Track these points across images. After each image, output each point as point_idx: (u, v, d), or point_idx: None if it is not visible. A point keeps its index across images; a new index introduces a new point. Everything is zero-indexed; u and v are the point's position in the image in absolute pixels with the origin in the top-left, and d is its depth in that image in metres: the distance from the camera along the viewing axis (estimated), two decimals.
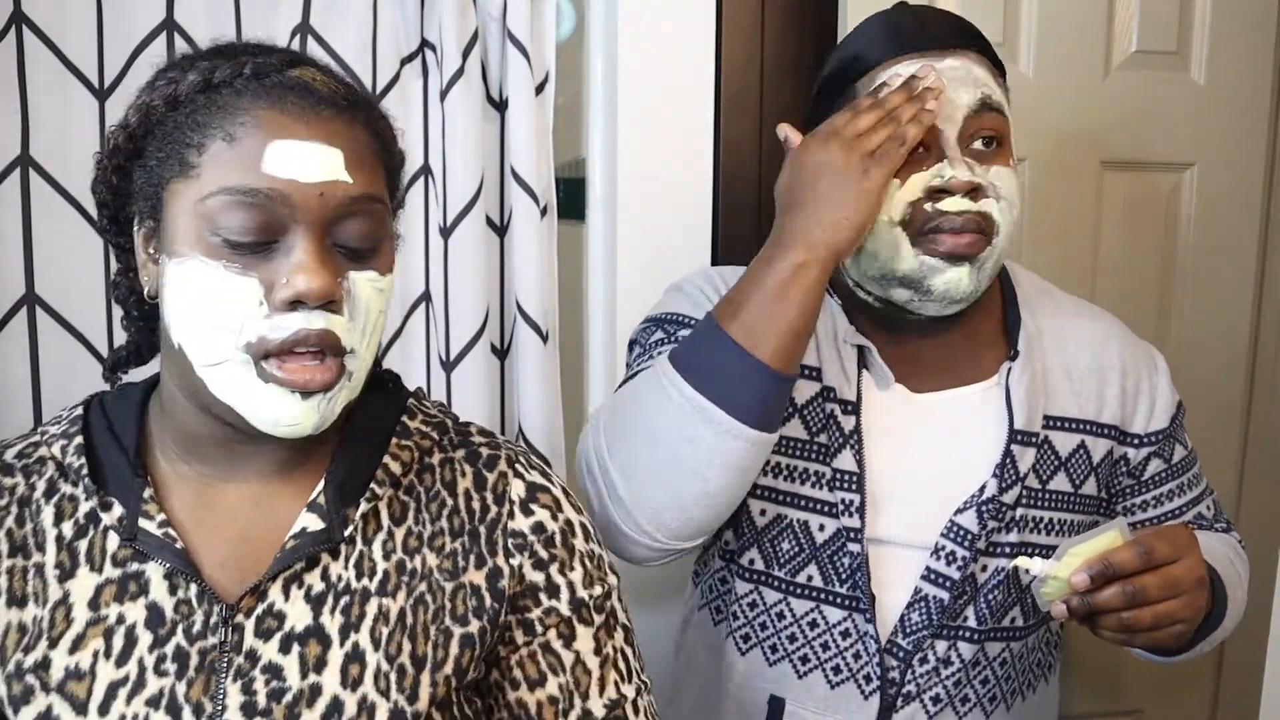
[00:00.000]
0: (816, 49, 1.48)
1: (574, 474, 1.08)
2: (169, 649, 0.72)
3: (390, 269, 0.76)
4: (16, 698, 0.70)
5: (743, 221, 1.49)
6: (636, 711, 0.83)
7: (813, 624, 1.06)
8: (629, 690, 0.83)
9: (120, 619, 0.72)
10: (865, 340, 1.05)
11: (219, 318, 0.69)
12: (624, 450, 0.98)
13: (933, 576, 1.03)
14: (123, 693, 0.71)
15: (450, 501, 0.81)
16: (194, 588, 0.73)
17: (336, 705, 0.72)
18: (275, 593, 0.74)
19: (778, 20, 1.48)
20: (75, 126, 1.17)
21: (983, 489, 1.03)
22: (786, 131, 1.05)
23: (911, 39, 1.01)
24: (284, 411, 0.71)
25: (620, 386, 1.08)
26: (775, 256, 0.96)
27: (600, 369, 1.49)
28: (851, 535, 1.03)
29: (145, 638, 0.72)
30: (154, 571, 0.73)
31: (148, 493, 0.75)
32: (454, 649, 0.77)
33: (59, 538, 0.75)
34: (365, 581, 0.76)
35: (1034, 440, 1.04)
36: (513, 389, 1.34)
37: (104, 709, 0.70)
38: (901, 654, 1.03)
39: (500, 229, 1.34)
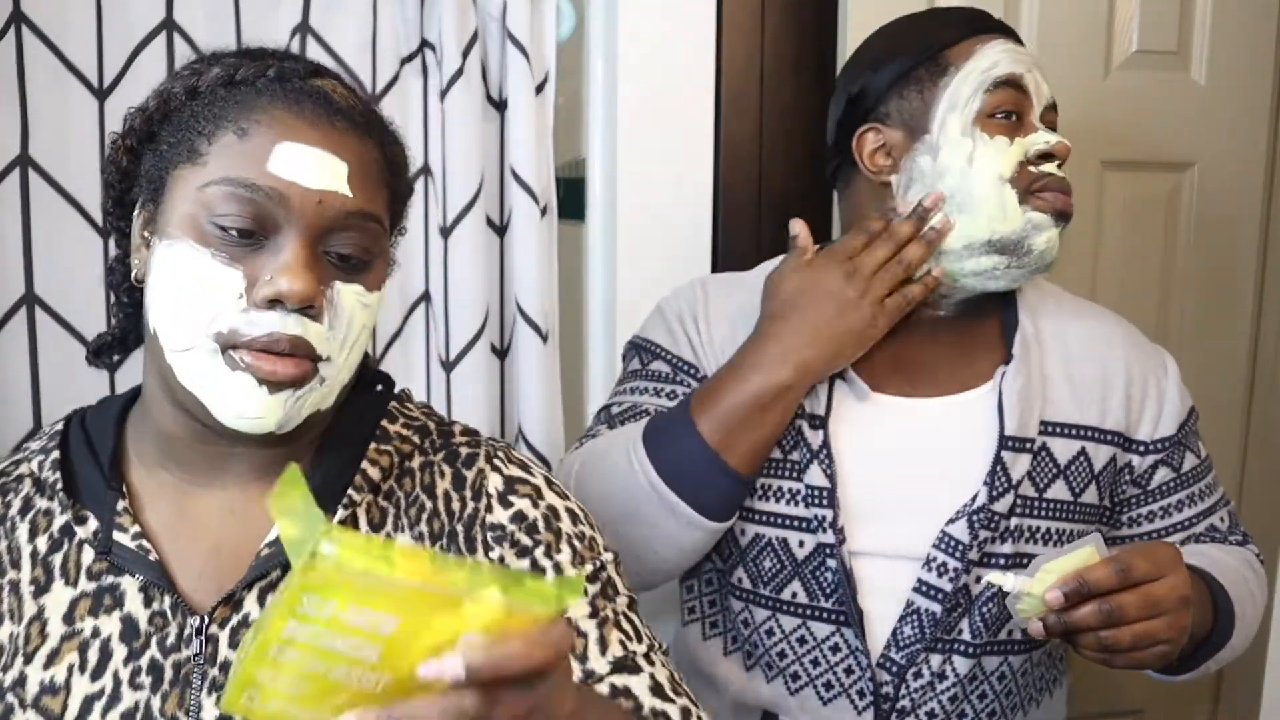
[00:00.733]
0: (816, 49, 1.48)
1: None
2: (144, 661, 0.71)
3: (379, 287, 0.75)
4: None
5: (743, 221, 1.49)
6: (650, 664, 0.78)
7: (801, 640, 1.05)
8: (638, 647, 0.78)
9: (95, 632, 0.71)
10: None
11: (196, 304, 0.69)
12: (599, 521, 1.00)
13: (924, 588, 1.01)
14: (98, 706, 0.69)
15: (430, 505, 0.79)
16: (168, 599, 0.72)
17: None
18: (250, 602, 0.72)
19: (778, 20, 1.48)
20: (75, 126, 1.17)
21: (975, 498, 1.01)
22: (799, 229, 1.06)
23: (994, 23, 1.07)
24: (248, 404, 0.69)
25: (599, 415, 1.13)
26: (765, 368, 0.99)
27: (600, 369, 1.49)
28: (829, 551, 1.02)
29: (120, 651, 0.71)
30: (129, 584, 0.72)
31: (121, 505, 0.74)
32: None
33: (34, 553, 0.74)
34: None
35: (1028, 447, 1.02)
36: (513, 389, 1.34)
37: None
38: (895, 668, 1.01)
39: (500, 229, 1.33)
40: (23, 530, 0.75)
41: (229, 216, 0.69)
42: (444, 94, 1.25)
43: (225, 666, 0.71)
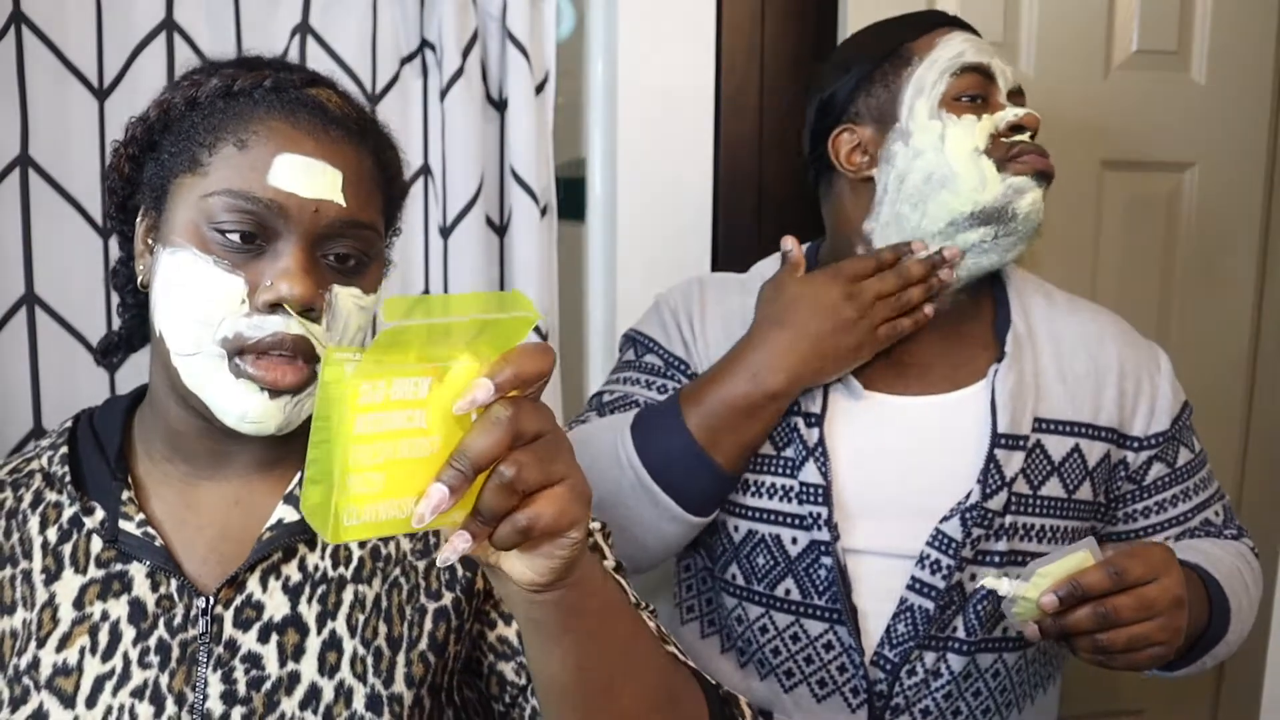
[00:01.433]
0: (816, 48, 1.48)
1: None
2: (151, 642, 0.74)
3: (375, 289, 0.78)
4: (16, 699, 0.73)
5: (743, 221, 1.49)
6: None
7: (795, 637, 1.05)
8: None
9: (105, 615, 0.74)
10: None
11: (201, 310, 0.72)
12: None
13: (918, 586, 1.01)
14: (109, 685, 0.73)
15: None
16: (174, 582, 0.75)
17: (314, 692, 0.74)
18: (253, 584, 0.76)
19: (778, 20, 1.48)
20: (75, 126, 1.17)
21: (968, 495, 1.01)
22: (791, 245, 1.07)
23: (954, 20, 1.10)
24: (250, 407, 0.72)
25: (591, 401, 1.13)
26: (757, 373, 1.00)
27: (600, 369, 1.49)
28: (823, 548, 1.02)
29: (129, 632, 0.74)
30: (137, 570, 0.76)
31: (126, 495, 0.77)
32: (428, 624, 0.78)
33: (44, 544, 0.77)
34: (341, 570, 0.78)
35: (1022, 444, 1.02)
36: None
37: (91, 702, 0.72)
38: (888, 666, 1.02)
39: (500, 229, 1.33)
40: (34, 522, 0.78)
41: (230, 225, 0.71)
42: (444, 94, 1.25)
43: (230, 645, 0.74)
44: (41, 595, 0.75)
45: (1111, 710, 1.61)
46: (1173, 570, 0.90)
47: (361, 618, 0.77)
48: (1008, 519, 1.02)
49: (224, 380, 0.72)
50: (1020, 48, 1.47)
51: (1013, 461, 1.02)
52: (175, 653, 0.74)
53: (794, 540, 1.04)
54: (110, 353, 0.87)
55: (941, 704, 1.02)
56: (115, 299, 0.86)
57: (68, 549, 0.76)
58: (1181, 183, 1.57)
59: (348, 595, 0.77)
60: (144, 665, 0.73)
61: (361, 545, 0.79)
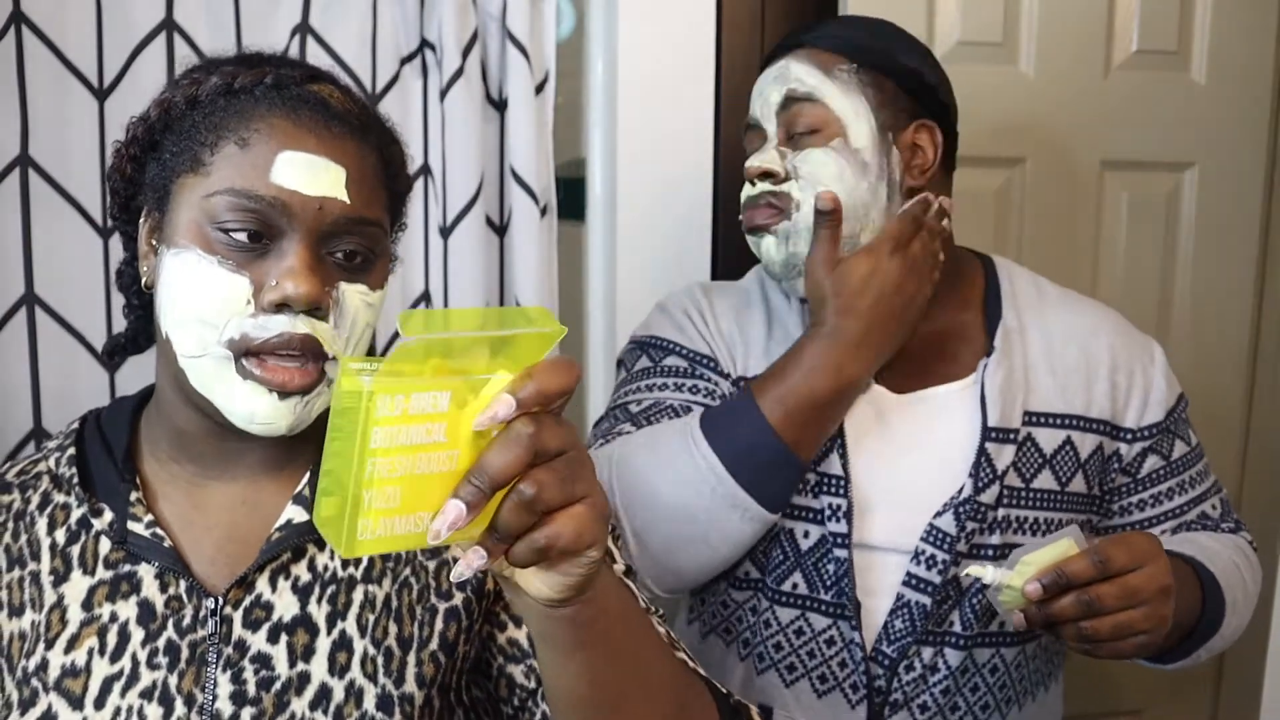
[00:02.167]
0: None
1: None
2: (160, 643, 0.74)
3: (381, 285, 0.77)
4: (25, 701, 0.72)
5: None
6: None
7: (798, 632, 1.05)
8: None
9: (113, 617, 0.74)
10: None
11: (206, 311, 0.71)
12: (643, 518, 0.99)
13: (914, 582, 1.02)
14: (117, 686, 0.72)
15: None
16: (183, 583, 0.75)
17: (325, 692, 0.74)
18: (262, 584, 0.76)
19: (778, 20, 1.48)
20: (75, 126, 1.17)
21: (961, 490, 1.02)
22: (831, 203, 1.01)
23: (780, 45, 1.11)
24: (259, 408, 0.71)
25: (614, 414, 1.09)
26: (841, 369, 0.99)
27: (600, 369, 1.49)
28: (838, 541, 1.02)
29: (137, 633, 0.74)
30: (145, 571, 0.75)
31: (134, 496, 0.77)
32: (439, 624, 0.78)
33: (53, 545, 0.76)
34: (351, 570, 0.77)
35: (1012, 438, 1.03)
36: None
37: (99, 703, 0.72)
38: (887, 661, 1.02)
39: (500, 229, 1.33)
40: (42, 524, 0.77)
41: (234, 224, 0.71)
42: (444, 94, 1.25)
43: (239, 645, 0.74)
44: (50, 597, 0.75)
45: (1111, 710, 1.61)
46: (1158, 559, 0.90)
47: (372, 618, 0.77)
48: (1000, 512, 1.02)
49: (232, 381, 0.71)
50: (1020, 48, 1.47)
51: (1004, 455, 1.02)
52: (184, 653, 0.74)
53: (805, 534, 1.04)
54: (116, 354, 0.87)
55: (940, 699, 1.03)
56: (120, 300, 0.86)
57: (76, 550, 0.76)
58: (1181, 183, 1.57)
59: (358, 595, 0.77)
60: (153, 666, 0.73)
61: None
